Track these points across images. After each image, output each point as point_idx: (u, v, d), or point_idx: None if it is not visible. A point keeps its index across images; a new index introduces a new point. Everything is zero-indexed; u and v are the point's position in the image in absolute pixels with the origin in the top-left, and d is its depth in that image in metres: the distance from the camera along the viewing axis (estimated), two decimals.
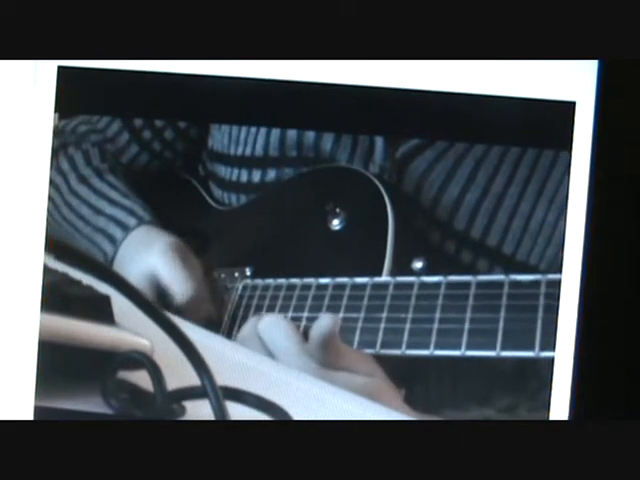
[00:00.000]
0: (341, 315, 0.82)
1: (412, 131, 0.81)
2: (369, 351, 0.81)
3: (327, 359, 0.82)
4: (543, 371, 0.79)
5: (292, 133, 0.83)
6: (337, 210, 0.83)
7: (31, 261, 0.83)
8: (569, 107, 0.78)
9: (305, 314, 0.83)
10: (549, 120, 0.78)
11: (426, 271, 0.81)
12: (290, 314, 0.83)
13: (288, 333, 0.82)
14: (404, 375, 0.81)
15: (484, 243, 0.80)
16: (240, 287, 0.84)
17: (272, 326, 0.83)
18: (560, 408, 0.79)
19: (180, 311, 0.84)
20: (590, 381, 0.78)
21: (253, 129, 0.83)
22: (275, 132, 0.83)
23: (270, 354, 0.83)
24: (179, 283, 0.85)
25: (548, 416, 0.79)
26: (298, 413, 0.81)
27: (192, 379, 0.80)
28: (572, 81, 0.78)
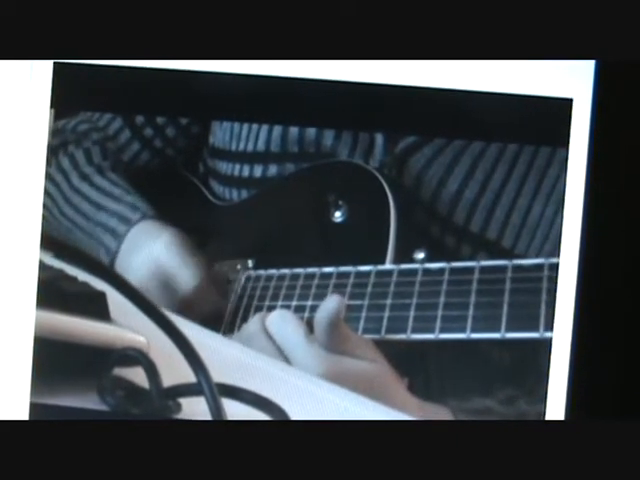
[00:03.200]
0: (345, 302, 0.82)
1: (411, 128, 0.81)
2: (374, 336, 0.82)
3: (332, 342, 0.82)
4: (542, 364, 0.79)
5: (294, 129, 0.83)
6: (339, 202, 0.83)
7: (27, 258, 0.82)
8: (566, 104, 0.79)
9: (309, 303, 0.83)
10: (546, 117, 0.80)
11: (427, 261, 0.82)
12: (294, 303, 0.83)
13: (295, 326, 0.83)
14: (407, 364, 0.81)
15: (484, 237, 0.81)
16: (243, 278, 0.84)
17: (280, 320, 0.83)
18: (556, 403, 0.79)
19: (186, 302, 0.84)
20: (587, 379, 0.78)
21: (255, 125, 0.83)
22: (277, 128, 0.84)
23: (278, 348, 0.83)
24: (184, 273, 0.85)
25: (545, 408, 0.79)
26: (294, 410, 0.80)
27: (188, 376, 0.80)
28: (569, 78, 0.79)
